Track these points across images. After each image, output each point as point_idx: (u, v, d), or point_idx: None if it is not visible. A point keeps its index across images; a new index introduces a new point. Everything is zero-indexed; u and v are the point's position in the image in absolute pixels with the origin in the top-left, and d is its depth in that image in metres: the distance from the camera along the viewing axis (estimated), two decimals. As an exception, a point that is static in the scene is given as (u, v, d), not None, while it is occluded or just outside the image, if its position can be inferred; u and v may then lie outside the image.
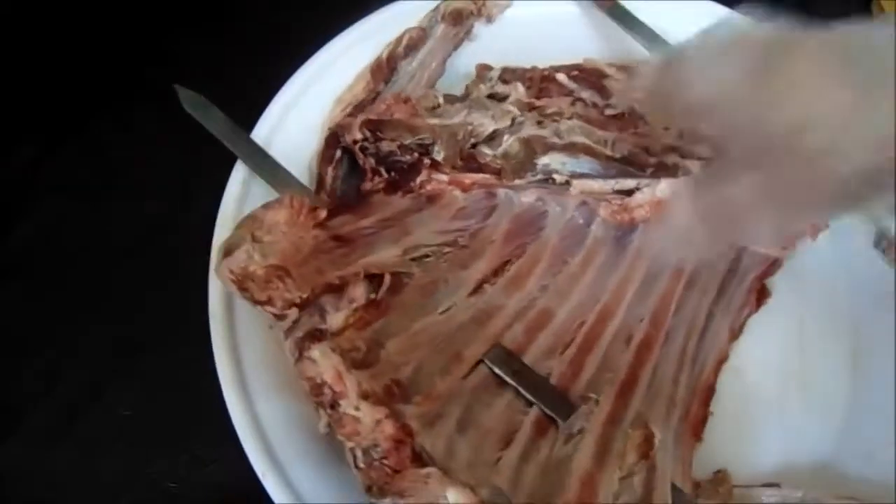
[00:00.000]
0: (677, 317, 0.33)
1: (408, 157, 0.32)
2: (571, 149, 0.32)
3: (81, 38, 0.44)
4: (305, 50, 0.38)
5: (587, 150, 0.32)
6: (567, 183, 0.32)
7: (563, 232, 0.34)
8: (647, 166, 0.32)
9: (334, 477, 0.29)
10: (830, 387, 0.34)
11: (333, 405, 0.26)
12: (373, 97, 0.36)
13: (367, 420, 0.25)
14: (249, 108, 0.36)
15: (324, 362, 0.26)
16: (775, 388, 0.34)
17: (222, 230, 0.33)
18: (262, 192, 0.34)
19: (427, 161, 0.32)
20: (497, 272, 0.32)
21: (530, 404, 0.29)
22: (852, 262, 0.36)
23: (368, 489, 0.25)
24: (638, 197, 0.32)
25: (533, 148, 0.32)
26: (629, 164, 0.32)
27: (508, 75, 0.36)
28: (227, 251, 0.28)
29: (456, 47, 0.39)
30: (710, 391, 0.32)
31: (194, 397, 0.31)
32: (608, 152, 0.32)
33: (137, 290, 0.36)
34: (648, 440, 0.28)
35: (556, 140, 0.32)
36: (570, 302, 0.32)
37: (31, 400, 0.34)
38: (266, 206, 0.29)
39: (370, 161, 0.33)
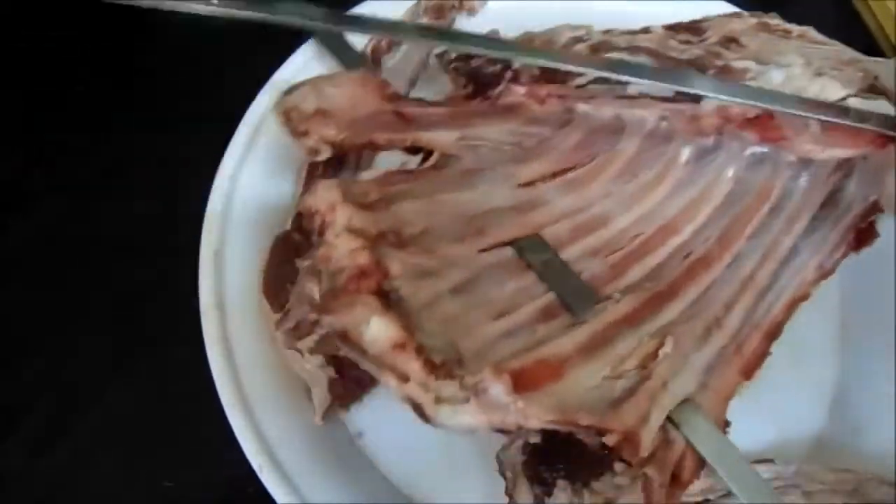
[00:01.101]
0: (753, 241, 0.30)
1: (491, 69, 0.33)
2: (635, 50, 0.31)
3: (66, 39, 0.44)
4: (285, 49, 0.36)
5: (650, 52, 0.30)
6: (623, 85, 0.31)
7: (641, 147, 0.32)
8: (711, 67, 0.30)
9: (332, 471, 0.30)
10: (820, 360, 0.34)
11: (319, 233, 0.25)
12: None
13: (342, 247, 0.24)
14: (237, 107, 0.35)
15: (323, 194, 0.26)
16: (765, 364, 0.30)
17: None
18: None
19: (509, 73, 0.33)
20: (556, 174, 0.31)
21: (549, 292, 0.27)
22: None
23: (315, 308, 0.25)
24: (705, 104, 0.29)
25: (598, 49, 0.32)
26: (693, 67, 0.30)
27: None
28: (289, 91, 0.29)
29: (439, 41, 0.38)
30: (776, 329, 0.29)
31: (191, 396, 0.31)
32: (673, 55, 0.30)
33: (134, 289, 0.37)
34: (658, 351, 0.25)
35: (622, 44, 0.31)
36: (631, 213, 0.30)
37: (28, 401, 0.34)
38: (339, 73, 0.31)
39: (461, 80, 0.34)
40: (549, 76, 0.33)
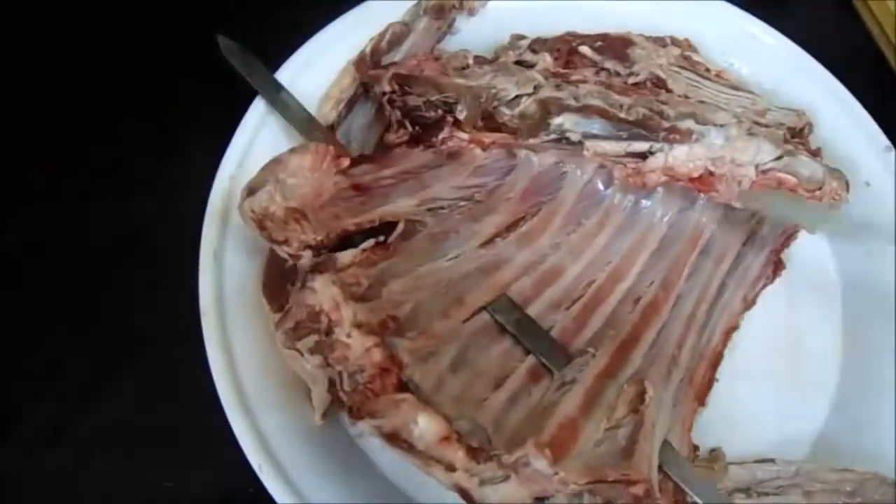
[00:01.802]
0: (689, 282, 0.33)
1: (432, 114, 0.33)
2: (585, 110, 0.32)
3: (60, 42, 0.44)
4: (286, 48, 0.37)
5: (601, 113, 0.32)
6: (580, 143, 0.32)
7: (581, 194, 0.34)
8: (659, 130, 0.32)
9: (332, 471, 0.30)
10: (820, 362, 0.35)
11: (328, 332, 0.27)
12: (361, 92, 0.36)
13: (356, 346, 0.26)
14: (234, 108, 0.36)
15: (324, 292, 0.27)
16: (766, 364, 0.34)
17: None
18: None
19: (450, 119, 0.33)
20: (510, 228, 0.33)
21: (528, 353, 0.29)
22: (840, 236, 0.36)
23: (349, 410, 0.26)
24: (651, 161, 0.32)
25: (548, 108, 0.33)
26: (642, 128, 0.32)
27: (538, 45, 0.36)
28: (251, 190, 0.30)
29: (439, 41, 0.39)
30: (718, 357, 0.32)
31: (190, 396, 0.31)
32: (622, 115, 0.32)
33: (129, 290, 0.36)
34: (641, 395, 0.28)
35: (571, 102, 0.32)
36: (581, 261, 0.33)
37: (27, 402, 0.34)
38: (292, 151, 0.31)
39: (396, 114, 0.34)
40: (493, 125, 0.33)
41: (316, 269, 0.29)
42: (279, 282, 0.30)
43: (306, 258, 0.29)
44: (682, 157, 0.32)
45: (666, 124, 0.32)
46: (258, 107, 0.35)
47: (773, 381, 0.34)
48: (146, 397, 0.34)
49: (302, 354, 0.29)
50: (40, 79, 0.42)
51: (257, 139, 0.35)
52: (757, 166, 0.31)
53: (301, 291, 0.28)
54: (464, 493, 0.25)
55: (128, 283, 0.36)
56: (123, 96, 0.42)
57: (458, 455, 0.24)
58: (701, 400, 0.31)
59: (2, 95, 0.41)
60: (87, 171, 0.40)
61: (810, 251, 0.36)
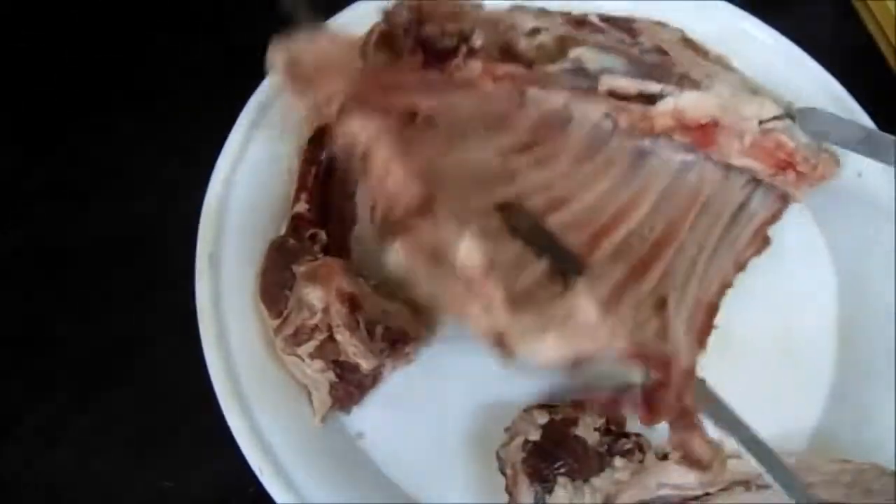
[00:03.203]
0: (690, 234, 0.33)
1: (447, 42, 0.33)
2: (603, 47, 0.33)
3: (61, 42, 0.44)
4: None
5: (618, 51, 0.33)
6: (596, 77, 0.32)
7: (587, 137, 0.34)
8: (673, 74, 0.33)
9: (332, 471, 0.30)
10: (818, 352, 0.35)
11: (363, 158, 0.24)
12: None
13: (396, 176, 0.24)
14: (233, 109, 0.36)
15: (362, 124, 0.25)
16: (762, 357, 0.34)
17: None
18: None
19: (465, 48, 0.33)
20: (525, 148, 0.32)
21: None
22: (834, 226, 0.37)
23: (382, 231, 0.24)
24: (661, 105, 0.32)
25: (566, 42, 0.33)
26: (657, 69, 0.32)
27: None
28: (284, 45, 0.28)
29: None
30: (714, 308, 0.32)
31: (190, 396, 0.31)
32: (638, 54, 0.33)
33: (129, 290, 0.37)
34: (663, 301, 0.27)
35: (589, 39, 0.33)
36: (592, 192, 0.32)
37: (26, 402, 0.34)
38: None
39: (409, 42, 0.33)
40: (509, 57, 0.33)
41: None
42: (277, 288, 0.31)
43: (333, 107, 0.26)
44: (693, 102, 0.32)
45: (679, 70, 0.33)
46: (251, 108, 0.35)
47: (770, 373, 0.34)
48: (145, 398, 0.34)
49: (303, 360, 0.30)
50: (40, 79, 0.43)
51: (251, 141, 0.35)
52: (760, 122, 0.32)
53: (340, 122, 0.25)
54: (499, 339, 0.22)
55: (128, 282, 0.37)
56: (123, 96, 0.42)
57: (497, 294, 0.22)
58: (702, 343, 0.31)
59: (2, 95, 0.42)
60: (86, 171, 0.40)
61: (805, 243, 0.37)
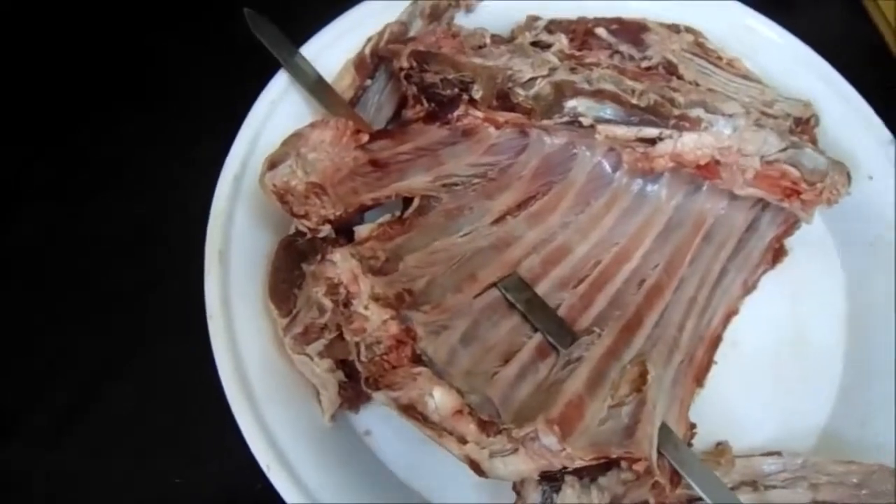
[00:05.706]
0: (692, 267, 0.34)
1: (448, 91, 0.34)
2: (598, 95, 0.33)
3: (65, 41, 0.44)
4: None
5: (613, 98, 0.33)
6: (592, 127, 0.33)
7: (590, 175, 0.35)
8: (670, 117, 0.33)
9: (340, 468, 0.30)
10: (826, 354, 0.35)
11: (346, 304, 0.27)
12: (360, 94, 0.36)
13: (374, 319, 0.27)
14: (236, 108, 0.36)
15: (343, 264, 0.28)
16: (771, 358, 0.35)
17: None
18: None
19: (466, 97, 0.34)
20: (521, 206, 0.34)
21: (535, 331, 0.30)
22: (843, 229, 0.37)
23: (366, 381, 0.27)
24: (660, 147, 0.32)
25: (562, 91, 0.33)
26: (653, 114, 0.33)
27: (554, 26, 0.37)
28: (272, 164, 0.30)
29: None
30: (716, 340, 0.33)
31: (194, 393, 0.32)
32: (634, 101, 0.33)
33: (132, 289, 0.36)
34: (643, 376, 0.28)
35: (585, 86, 0.33)
36: (588, 241, 0.34)
37: (31, 401, 0.34)
38: (313, 125, 0.31)
39: (413, 89, 0.34)
40: (507, 105, 0.34)
41: (334, 242, 0.29)
42: (286, 287, 0.31)
43: (325, 232, 0.29)
44: (691, 144, 0.32)
45: (676, 112, 0.33)
46: (259, 109, 0.35)
47: (778, 375, 0.34)
48: (153, 395, 0.34)
49: (312, 359, 0.30)
50: (43, 79, 0.42)
51: (259, 140, 0.35)
52: (762, 157, 0.32)
53: (321, 264, 0.28)
54: (474, 464, 0.25)
55: (133, 281, 0.36)
56: (126, 96, 0.42)
57: (469, 428, 0.25)
58: (699, 381, 0.32)
59: (5, 95, 0.41)
60: (90, 171, 0.40)
61: (814, 244, 0.37)
